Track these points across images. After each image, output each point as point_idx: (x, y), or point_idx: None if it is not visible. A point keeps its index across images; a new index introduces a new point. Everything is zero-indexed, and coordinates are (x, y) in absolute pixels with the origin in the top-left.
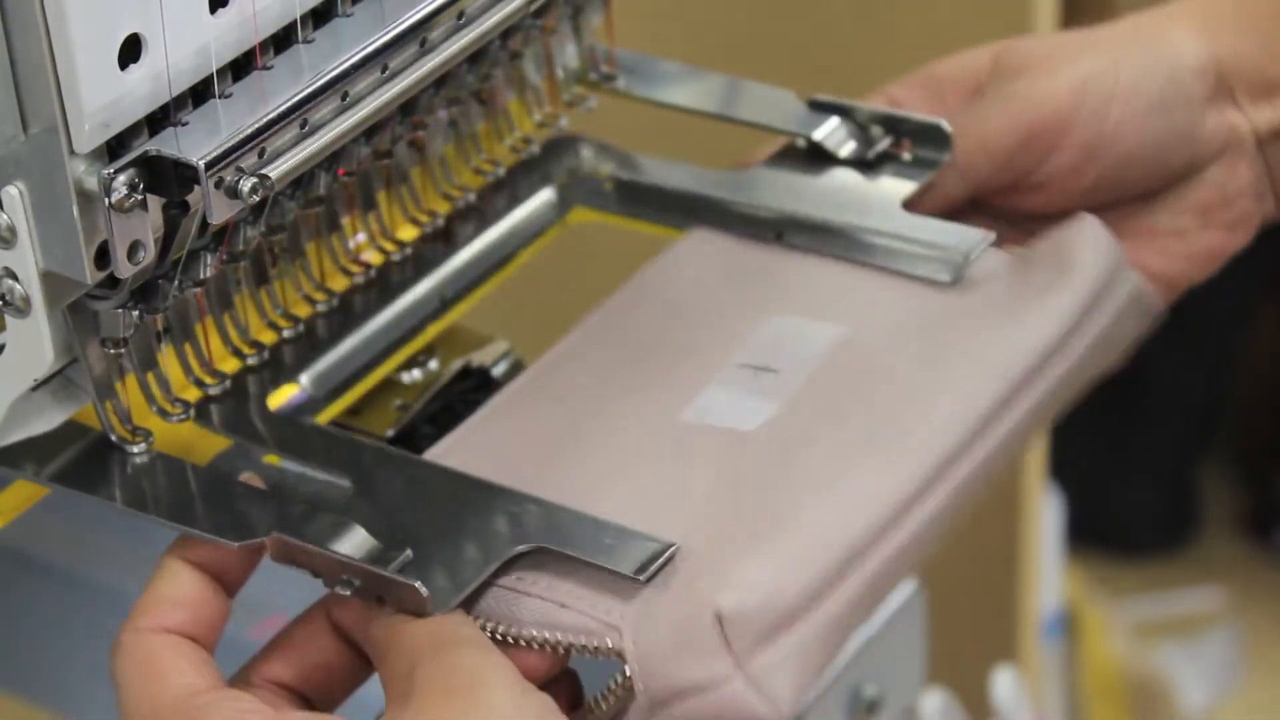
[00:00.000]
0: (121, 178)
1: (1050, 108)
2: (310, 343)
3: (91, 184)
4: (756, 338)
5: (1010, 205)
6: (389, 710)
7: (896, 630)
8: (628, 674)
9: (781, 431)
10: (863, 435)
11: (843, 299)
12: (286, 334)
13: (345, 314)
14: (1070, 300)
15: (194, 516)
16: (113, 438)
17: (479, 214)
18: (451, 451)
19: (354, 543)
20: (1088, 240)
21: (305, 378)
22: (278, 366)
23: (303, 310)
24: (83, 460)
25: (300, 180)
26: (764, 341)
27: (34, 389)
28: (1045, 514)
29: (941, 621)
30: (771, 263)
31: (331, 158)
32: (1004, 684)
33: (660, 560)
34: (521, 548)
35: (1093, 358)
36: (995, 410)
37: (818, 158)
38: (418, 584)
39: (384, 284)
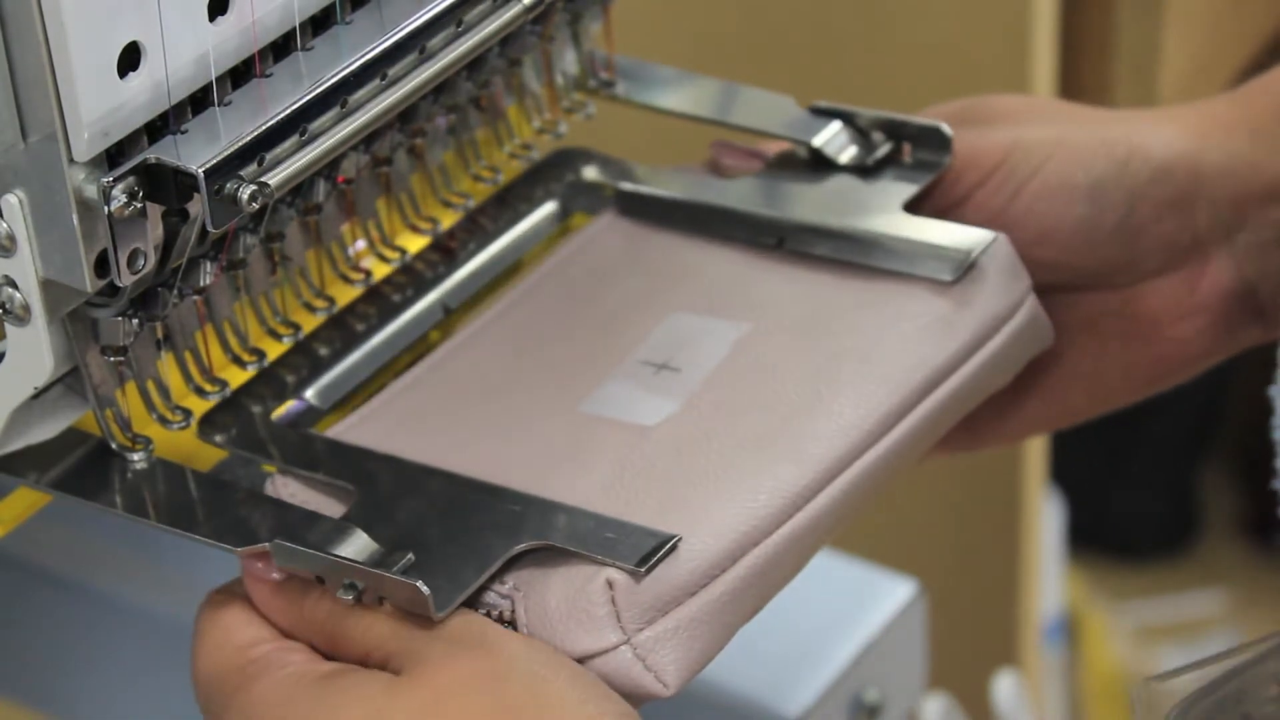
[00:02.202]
0: (121, 186)
1: (972, 154)
2: (315, 360)
3: (91, 192)
4: (659, 334)
5: None
6: (398, 671)
7: (898, 635)
8: None
9: (679, 428)
10: (760, 434)
11: (746, 293)
12: (287, 340)
13: (349, 331)
14: (972, 318)
15: (195, 522)
16: (113, 445)
17: (483, 230)
18: (350, 430)
19: (355, 547)
20: (995, 259)
21: (310, 393)
22: (282, 384)
23: (302, 318)
24: (83, 467)
25: (300, 188)
26: (666, 339)
27: (34, 397)
28: (1046, 518)
29: (943, 626)
30: (678, 253)
31: (331, 165)
32: (1005, 688)
33: (663, 551)
34: (523, 545)
35: (987, 376)
36: (888, 419)
37: (818, 164)
38: (419, 583)
39: (388, 301)
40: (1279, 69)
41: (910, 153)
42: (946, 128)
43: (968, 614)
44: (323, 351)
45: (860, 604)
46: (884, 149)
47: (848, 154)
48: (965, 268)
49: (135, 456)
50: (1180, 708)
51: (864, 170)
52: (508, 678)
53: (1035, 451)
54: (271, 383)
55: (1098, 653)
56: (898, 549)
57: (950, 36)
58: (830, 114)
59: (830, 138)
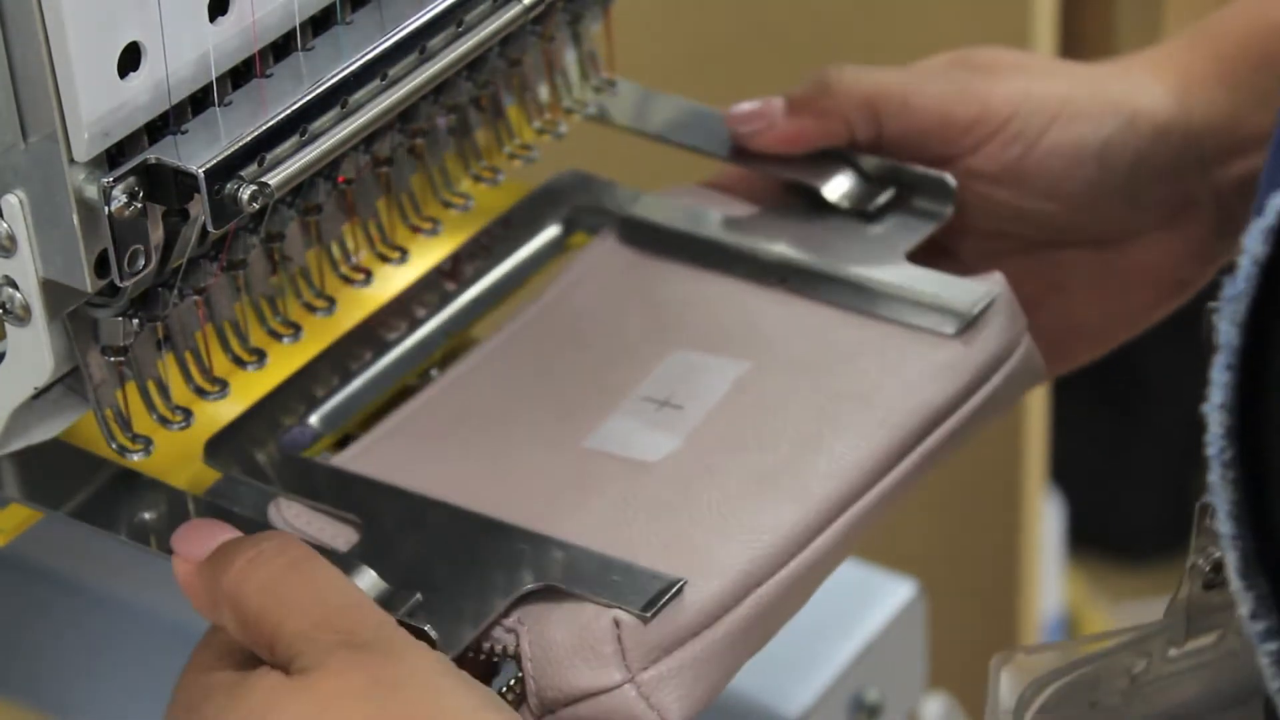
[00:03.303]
0: (121, 186)
1: (984, 105)
2: (319, 385)
3: (91, 192)
4: (661, 372)
5: None
6: (294, 671)
7: (898, 635)
8: (520, 677)
9: (681, 464)
10: (762, 473)
11: (748, 330)
12: (287, 340)
13: (353, 356)
14: (971, 362)
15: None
16: (113, 446)
17: (486, 254)
18: (354, 460)
19: (364, 584)
20: (994, 303)
21: (314, 418)
22: (286, 409)
23: (302, 318)
24: (88, 494)
25: (300, 188)
26: (668, 376)
27: (34, 397)
28: (1046, 518)
29: (943, 626)
30: (681, 285)
31: (331, 165)
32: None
33: (669, 595)
34: (529, 586)
35: (982, 415)
36: (888, 460)
37: (820, 202)
38: (427, 627)
39: (391, 326)
40: (1231, 6)
41: (912, 200)
42: (950, 179)
43: (968, 614)
44: (327, 377)
45: (860, 604)
46: (887, 195)
47: (851, 199)
48: (968, 323)
49: (135, 456)
50: (1034, 685)
51: (866, 214)
52: (401, 687)
53: (1035, 451)
54: (275, 407)
55: None
56: (898, 549)
57: (950, 36)
58: (835, 159)
59: (835, 184)
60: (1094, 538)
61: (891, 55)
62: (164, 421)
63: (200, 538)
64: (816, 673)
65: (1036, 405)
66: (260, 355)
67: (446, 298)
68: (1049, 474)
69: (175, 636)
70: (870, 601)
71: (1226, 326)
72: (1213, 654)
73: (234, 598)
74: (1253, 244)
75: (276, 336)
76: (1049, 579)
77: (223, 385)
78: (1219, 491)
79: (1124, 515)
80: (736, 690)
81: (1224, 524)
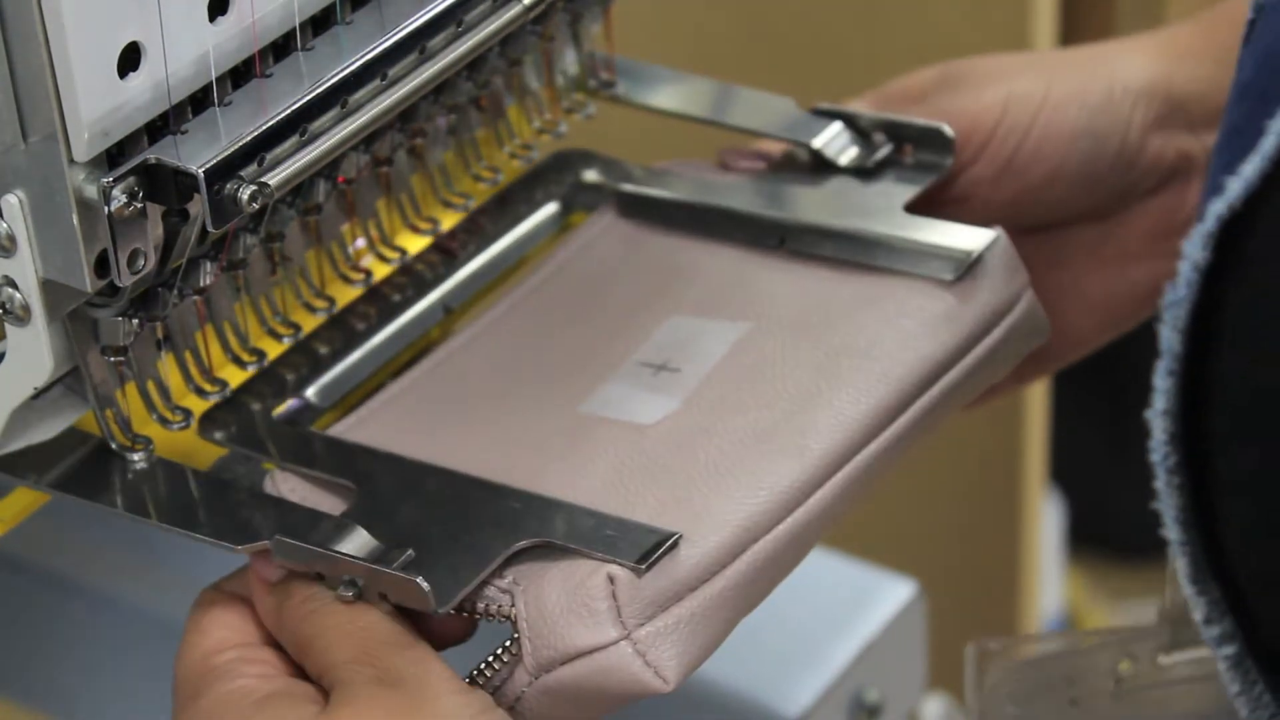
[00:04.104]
0: (121, 186)
1: (972, 120)
2: (316, 359)
3: (91, 192)
4: (658, 336)
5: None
6: (329, 703)
7: (897, 634)
8: (516, 637)
9: (678, 425)
10: (759, 430)
11: (746, 293)
12: (287, 340)
13: (350, 330)
14: (970, 315)
15: (196, 521)
16: (113, 446)
17: (484, 231)
18: (350, 429)
19: (356, 544)
20: (993, 255)
21: (311, 391)
22: (283, 382)
23: (302, 318)
24: (83, 467)
25: (300, 188)
26: (666, 340)
27: (34, 397)
28: (1046, 517)
29: (942, 625)
30: (678, 254)
31: (331, 165)
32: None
33: (663, 548)
34: (523, 543)
35: (984, 370)
36: (888, 414)
37: (819, 165)
38: (419, 580)
39: (388, 300)
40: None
41: (912, 153)
42: (948, 129)
43: (968, 613)
44: (323, 350)
45: (860, 604)
46: (885, 150)
47: (848, 155)
48: (967, 267)
49: (135, 456)
50: (1009, 675)
51: (865, 172)
52: None
53: (1035, 451)
54: (272, 381)
55: None
56: (898, 549)
57: (950, 36)
58: (831, 115)
59: (830, 139)
60: (1094, 538)
61: (891, 55)
62: (164, 421)
63: (274, 565)
64: (816, 673)
65: (1036, 405)
66: (260, 355)
67: (444, 273)
68: (1049, 474)
69: (175, 636)
70: (870, 601)
71: (1168, 332)
72: (1201, 668)
73: (294, 622)
74: (1192, 249)
75: (276, 336)
76: (1049, 579)
77: (223, 385)
78: (1164, 498)
79: (1124, 515)
80: (736, 690)
81: (1171, 530)
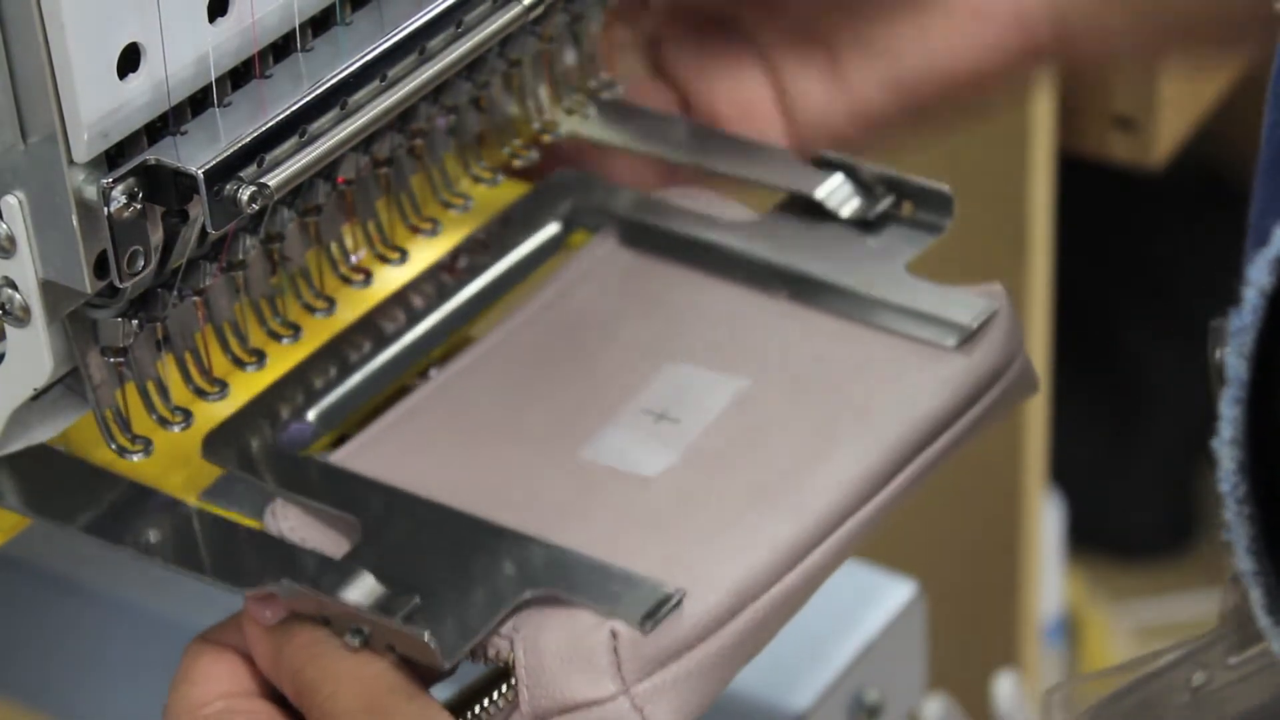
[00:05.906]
0: (120, 187)
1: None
2: (317, 381)
3: (91, 193)
4: (658, 383)
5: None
6: None
7: (897, 635)
8: (513, 684)
9: (679, 480)
10: (759, 488)
11: (747, 342)
12: (286, 341)
13: (351, 353)
14: (969, 377)
15: (200, 563)
16: (112, 446)
17: (485, 253)
18: (351, 457)
19: (362, 590)
20: (995, 318)
21: (312, 414)
22: (284, 406)
23: (302, 319)
24: (96, 506)
25: (299, 189)
26: (666, 388)
27: (34, 398)
28: (1046, 518)
29: (942, 626)
30: (680, 291)
31: (330, 166)
32: (1005, 689)
33: (667, 607)
34: (529, 594)
35: (978, 426)
36: (885, 473)
37: (819, 208)
38: (426, 635)
39: (389, 323)
40: None
41: (912, 210)
42: (948, 190)
43: (968, 614)
44: (325, 373)
45: (860, 604)
46: (886, 203)
47: (850, 207)
48: (968, 336)
49: (135, 457)
50: (1087, 714)
51: (865, 223)
52: None
53: (1035, 451)
54: (274, 404)
55: (1098, 653)
56: (898, 549)
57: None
58: (833, 165)
59: (832, 191)
60: (1094, 538)
61: None
62: (163, 422)
63: (274, 606)
64: (816, 673)
65: (1036, 406)
66: (260, 356)
67: (446, 294)
68: (1049, 474)
69: (175, 637)
70: (870, 601)
71: (1234, 360)
72: (1269, 658)
73: (294, 665)
74: (1258, 275)
75: (276, 337)
76: (1049, 579)
77: (222, 386)
78: (1236, 528)
79: (1124, 515)
80: (736, 690)
81: (1243, 560)
